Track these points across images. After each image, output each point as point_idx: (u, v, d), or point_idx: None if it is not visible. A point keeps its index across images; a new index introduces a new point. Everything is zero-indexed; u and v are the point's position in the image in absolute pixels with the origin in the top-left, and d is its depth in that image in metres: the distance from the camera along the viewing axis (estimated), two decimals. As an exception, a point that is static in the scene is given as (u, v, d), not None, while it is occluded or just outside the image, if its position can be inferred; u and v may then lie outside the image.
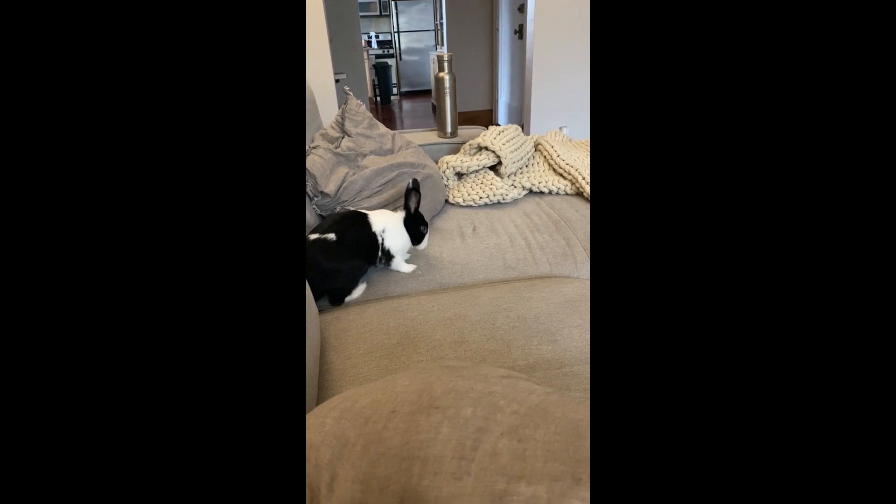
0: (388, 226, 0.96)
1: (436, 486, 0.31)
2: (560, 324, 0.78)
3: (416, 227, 0.99)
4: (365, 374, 0.69)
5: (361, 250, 0.94)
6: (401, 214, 0.99)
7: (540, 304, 0.84)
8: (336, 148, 1.15)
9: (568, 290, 0.90)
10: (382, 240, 0.95)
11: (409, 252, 1.04)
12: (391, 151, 1.26)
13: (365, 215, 0.96)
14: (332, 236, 0.89)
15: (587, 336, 0.75)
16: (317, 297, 0.88)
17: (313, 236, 0.90)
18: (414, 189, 0.98)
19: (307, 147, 1.12)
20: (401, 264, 1.01)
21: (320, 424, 0.37)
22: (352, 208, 1.09)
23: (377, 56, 6.83)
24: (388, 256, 0.98)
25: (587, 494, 0.28)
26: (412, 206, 0.98)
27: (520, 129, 1.45)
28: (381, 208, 1.11)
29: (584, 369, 0.68)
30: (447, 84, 1.48)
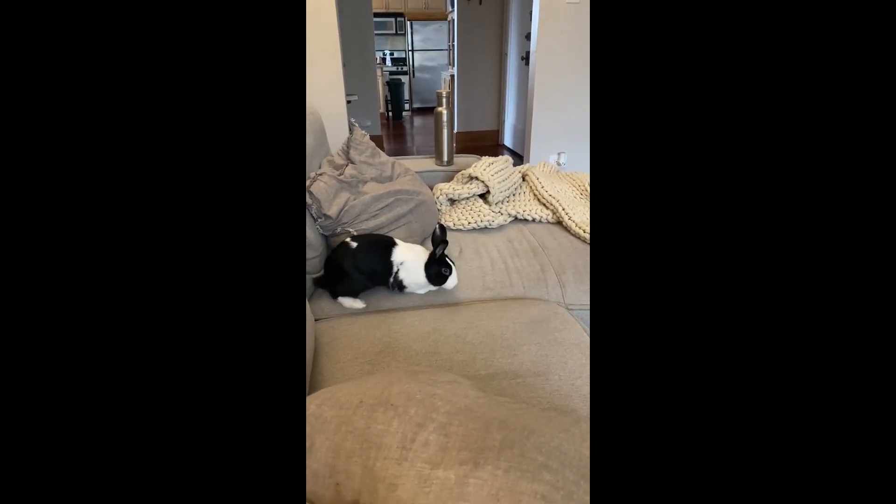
0: (408, 261, 1.05)
1: (384, 467, 0.41)
2: (521, 340, 0.90)
3: (435, 268, 1.05)
4: (350, 376, 0.82)
5: (371, 271, 1.06)
6: (426, 255, 1.06)
7: (507, 323, 0.96)
8: (340, 175, 1.29)
9: (534, 311, 1.02)
10: (397, 270, 1.05)
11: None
12: (390, 178, 1.40)
13: (393, 246, 1.06)
14: (354, 244, 1.05)
15: (543, 352, 0.87)
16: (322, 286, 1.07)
17: (347, 239, 1.07)
18: (441, 238, 1.02)
19: (314, 173, 1.26)
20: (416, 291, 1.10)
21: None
22: (352, 230, 1.23)
23: (391, 73, 7.05)
24: (401, 286, 1.08)
25: (483, 474, 0.38)
26: (438, 251, 1.03)
27: (510, 160, 1.59)
28: (381, 231, 1.25)
29: (535, 380, 0.80)
30: (444, 118, 1.63)
